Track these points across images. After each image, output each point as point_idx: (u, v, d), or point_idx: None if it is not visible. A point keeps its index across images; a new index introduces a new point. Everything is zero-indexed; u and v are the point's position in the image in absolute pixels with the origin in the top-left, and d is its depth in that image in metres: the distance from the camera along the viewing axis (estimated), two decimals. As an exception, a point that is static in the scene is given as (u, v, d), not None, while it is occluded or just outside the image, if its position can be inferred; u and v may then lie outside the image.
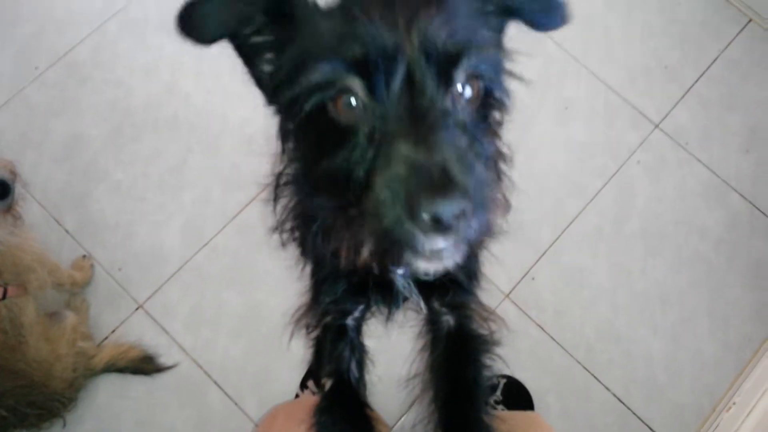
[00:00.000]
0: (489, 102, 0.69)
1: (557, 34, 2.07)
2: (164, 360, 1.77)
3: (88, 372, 1.65)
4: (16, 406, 1.45)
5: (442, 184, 0.52)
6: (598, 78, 2.10)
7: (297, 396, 1.74)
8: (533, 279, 1.88)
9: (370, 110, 0.61)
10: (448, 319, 0.99)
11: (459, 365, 0.96)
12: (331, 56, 0.61)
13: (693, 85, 2.10)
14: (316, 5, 0.69)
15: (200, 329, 1.81)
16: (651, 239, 1.94)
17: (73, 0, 2.14)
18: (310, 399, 1.00)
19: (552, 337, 1.83)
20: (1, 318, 1.40)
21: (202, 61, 2.02)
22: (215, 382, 1.76)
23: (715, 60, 2.13)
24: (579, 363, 1.81)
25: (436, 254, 0.56)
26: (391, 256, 0.57)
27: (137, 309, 1.83)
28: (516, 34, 0.78)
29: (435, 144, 0.55)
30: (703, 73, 2.12)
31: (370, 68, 0.59)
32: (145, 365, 1.74)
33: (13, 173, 1.38)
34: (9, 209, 1.38)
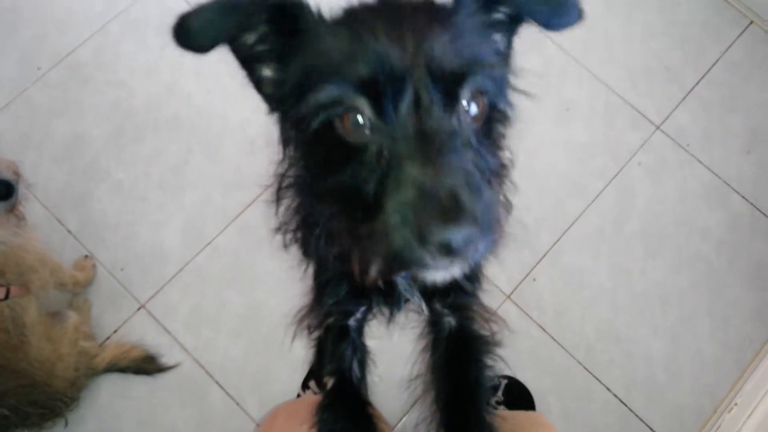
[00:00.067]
0: (493, 115, 0.70)
1: (557, 35, 2.08)
2: (166, 360, 1.77)
3: (90, 372, 1.66)
4: (18, 405, 1.46)
5: (452, 211, 0.53)
6: (599, 79, 2.10)
7: (298, 396, 1.75)
8: (534, 280, 1.88)
9: (377, 130, 0.61)
10: (450, 321, 0.99)
11: (460, 366, 0.96)
12: (339, 76, 0.61)
13: (694, 86, 2.10)
14: (322, 19, 0.69)
15: (201, 329, 1.81)
16: (651, 240, 1.94)
17: (74, 1, 2.15)
18: (312, 398, 1.01)
19: (553, 338, 1.83)
20: (4, 318, 1.40)
21: (202, 61, 2.00)
22: (217, 382, 1.77)
23: (716, 62, 2.13)
24: (580, 363, 1.81)
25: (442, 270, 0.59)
26: (398, 272, 0.59)
27: (139, 309, 1.83)
28: (516, 35, 0.79)
29: (443, 167, 0.56)
30: (704, 74, 2.12)
31: (378, 89, 0.60)
32: (147, 365, 1.74)
33: (17, 174, 1.38)
34: (12, 209, 1.38)
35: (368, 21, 0.64)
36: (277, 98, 0.72)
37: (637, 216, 1.96)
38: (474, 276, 0.99)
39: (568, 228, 1.94)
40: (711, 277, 1.91)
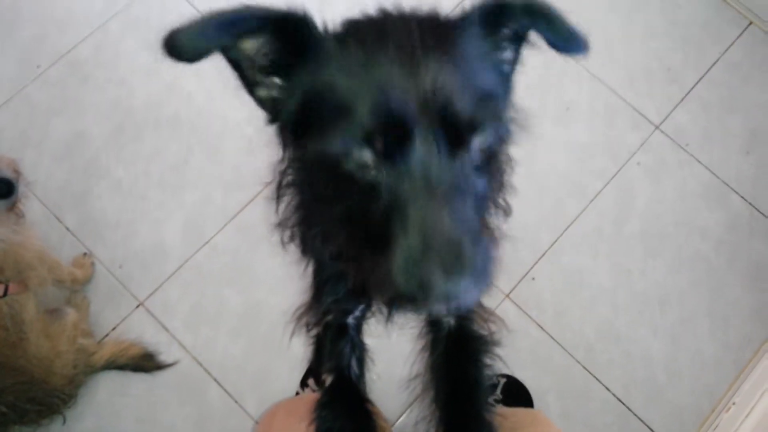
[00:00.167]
0: (496, 150, 0.71)
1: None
2: (164, 358, 1.77)
3: (88, 369, 1.65)
4: (16, 402, 1.46)
5: (455, 263, 0.56)
6: (599, 79, 2.10)
7: (297, 394, 1.75)
8: (533, 279, 1.89)
9: (383, 171, 0.62)
10: (449, 320, 0.99)
11: (459, 365, 0.97)
12: (345, 125, 0.61)
13: (693, 87, 2.11)
14: (330, 38, 0.67)
15: (200, 327, 1.81)
16: (651, 240, 1.94)
17: (74, 0, 2.15)
18: (311, 396, 1.01)
19: (552, 337, 1.83)
20: (2, 315, 1.40)
21: (203, 61, 2.02)
22: (215, 380, 1.77)
23: (715, 62, 2.13)
24: (579, 363, 1.81)
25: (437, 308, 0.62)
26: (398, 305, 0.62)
27: (138, 306, 1.83)
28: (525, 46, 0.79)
29: (448, 217, 0.58)
30: (704, 75, 2.12)
31: (386, 140, 0.60)
32: (146, 363, 1.74)
33: (17, 172, 1.38)
34: (12, 207, 1.38)
35: (375, 47, 0.63)
36: (275, 110, 0.71)
37: (636, 216, 1.96)
38: None
39: (568, 227, 1.94)
40: (710, 277, 1.91)
